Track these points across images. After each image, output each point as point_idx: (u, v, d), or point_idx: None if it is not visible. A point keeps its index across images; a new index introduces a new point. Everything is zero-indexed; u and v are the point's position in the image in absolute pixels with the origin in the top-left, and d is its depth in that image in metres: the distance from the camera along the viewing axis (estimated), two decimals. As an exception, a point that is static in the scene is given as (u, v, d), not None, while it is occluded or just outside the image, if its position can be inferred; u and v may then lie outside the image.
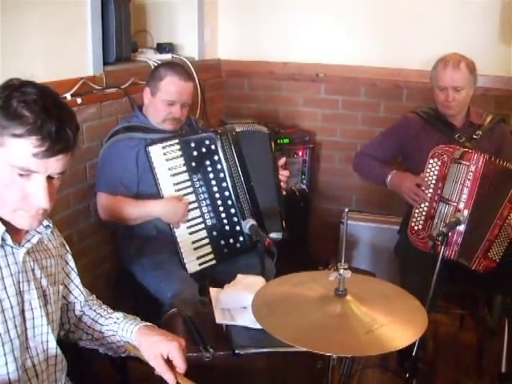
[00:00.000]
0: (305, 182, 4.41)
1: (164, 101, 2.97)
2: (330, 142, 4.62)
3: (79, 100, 2.95)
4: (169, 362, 1.81)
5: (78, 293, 2.02)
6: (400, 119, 3.51)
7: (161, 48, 4.01)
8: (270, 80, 4.65)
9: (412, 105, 3.96)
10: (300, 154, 4.36)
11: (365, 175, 3.59)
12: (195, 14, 4.26)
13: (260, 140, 3.08)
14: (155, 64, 3.53)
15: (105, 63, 3.23)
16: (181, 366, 1.80)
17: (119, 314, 2.01)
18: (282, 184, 3.13)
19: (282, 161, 3.18)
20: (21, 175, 1.51)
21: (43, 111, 1.48)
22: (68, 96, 2.88)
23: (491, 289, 3.34)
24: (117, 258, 3.28)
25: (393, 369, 3.39)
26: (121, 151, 2.95)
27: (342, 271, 1.77)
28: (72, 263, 1.99)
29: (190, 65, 3.93)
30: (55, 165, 1.53)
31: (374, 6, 4.26)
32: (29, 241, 1.70)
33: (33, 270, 1.72)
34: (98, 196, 2.97)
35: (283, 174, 3.13)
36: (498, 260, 3.02)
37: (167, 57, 3.90)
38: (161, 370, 1.80)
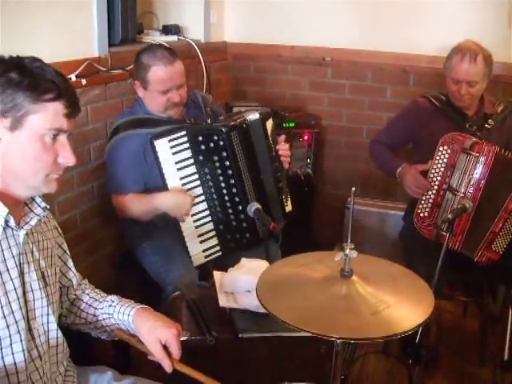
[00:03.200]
0: (310, 166, 4.39)
1: (158, 91, 2.89)
2: (335, 126, 4.59)
3: (84, 81, 2.94)
4: (165, 348, 1.83)
5: (72, 275, 2.01)
6: (410, 104, 3.46)
7: (166, 30, 3.98)
8: (277, 63, 4.62)
9: (419, 90, 3.93)
10: (305, 138, 4.33)
11: (378, 166, 3.58)
12: (202, -4, 4.22)
13: (256, 128, 2.97)
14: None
15: (110, 44, 3.21)
16: (176, 353, 1.83)
17: (114, 297, 2.01)
18: (283, 158, 3.08)
19: (282, 138, 3.11)
20: (51, 138, 1.62)
21: (59, 75, 1.62)
22: (73, 77, 2.87)
23: (495, 278, 3.34)
24: (120, 240, 3.28)
25: (395, 355, 3.40)
26: (130, 149, 2.87)
27: (347, 251, 1.76)
28: (65, 246, 1.98)
29: (195, 47, 3.91)
30: (73, 124, 1.68)
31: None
32: (27, 223, 1.71)
33: (32, 252, 1.73)
34: (112, 197, 2.95)
35: (283, 148, 3.07)
36: (501, 252, 3.00)
37: (173, 38, 3.88)
38: (159, 356, 1.82)
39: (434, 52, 3.42)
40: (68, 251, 1.99)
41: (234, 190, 2.89)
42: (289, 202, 3.16)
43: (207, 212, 2.92)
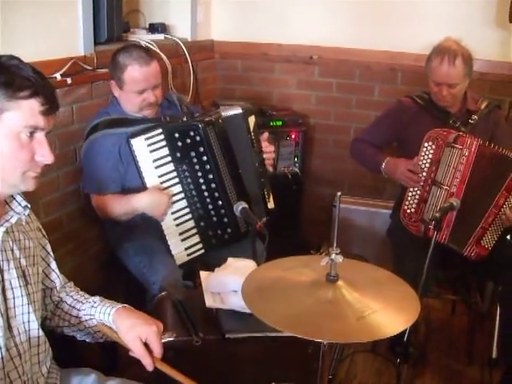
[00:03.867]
0: (297, 165, 4.38)
1: (134, 91, 2.88)
2: (323, 125, 4.59)
3: (69, 80, 2.91)
4: (145, 346, 1.81)
5: (55, 276, 1.99)
6: (394, 104, 3.48)
7: (153, 28, 3.96)
8: (264, 62, 4.60)
9: (407, 88, 3.94)
10: (293, 136, 4.32)
11: (361, 163, 3.57)
12: (188, -6, 4.20)
13: (237, 123, 2.99)
14: (147, 44, 3.49)
15: (96, 43, 3.18)
16: (158, 350, 1.81)
17: (96, 298, 1.99)
18: (267, 161, 3.09)
19: (265, 136, 3.12)
20: (28, 136, 1.61)
21: (36, 73, 1.62)
22: (58, 76, 2.84)
23: (483, 275, 3.34)
24: (107, 240, 3.26)
25: (384, 354, 3.40)
26: (104, 148, 2.87)
27: (333, 256, 1.75)
28: (48, 247, 1.96)
29: (182, 45, 3.89)
30: (51, 122, 1.67)
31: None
32: (7, 220, 1.70)
33: (12, 250, 1.72)
34: (91, 197, 2.94)
35: (267, 151, 3.09)
36: (490, 248, 3.00)
37: (159, 37, 3.85)
38: (139, 353, 1.80)
39: (422, 50, 3.41)
40: (51, 253, 1.97)
41: (213, 185, 2.90)
42: (271, 199, 3.15)
43: (187, 209, 2.92)
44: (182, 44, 3.90)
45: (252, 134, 3.02)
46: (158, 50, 3.58)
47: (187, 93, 4.01)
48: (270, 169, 3.15)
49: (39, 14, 2.76)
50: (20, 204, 1.75)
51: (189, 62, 3.95)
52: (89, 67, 3.08)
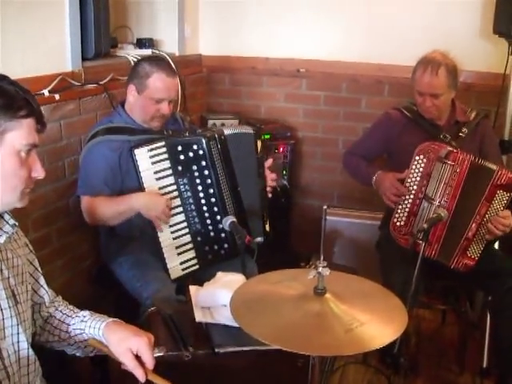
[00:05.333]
0: (286, 177, 4.39)
1: (152, 99, 2.90)
2: (311, 137, 4.61)
3: (57, 96, 2.92)
4: (137, 358, 1.80)
5: (43, 292, 1.98)
6: (382, 116, 3.48)
7: (141, 43, 3.97)
8: (252, 75, 4.63)
9: (394, 100, 3.96)
10: (281, 149, 4.34)
11: (353, 175, 3.57)
12: (176, 9, 4.22)
13: (245, 142, 3.02)
14: (135, 59, 3.49)
15: (83, 59, 3.19)
16: (150, 362, 1.79)
17: (86, 312, 1.99)
18: (268, 188, 3.11)
19: (269, 162, 3.14)
20: (26, 153, 1.65)
21: (28, 92, 1.66)
22: (46, 92, 2.85)
23: (472, 285, 3.35)
24: (97, 255, 3.26)
25: (375, 365, 3.40)
26: (103, 152, 2.88)
27: (320, 269, 1.76)
28: (36, 263, 1.95)
29: (170, 60, 3.90)
30: (40, 138, 1.71)
31: (355, 1, 4.25)
32: None
33: (1, 270, 1.71)
34: (82, 200, 2.93)
35: (271, 178, 3.12)
36: (476, 258, 3.01)
37: (147, 52, 3.86)
38: (131, 365, 1.79)
39: (409, 62, 3.44)
40: (39, 268, 1.97)
41: (213, 200, 2.91)
42: (268, 222, 3.16)
43: (185, 223, 2.91)
44: (169, 59, 3.90)
45: (259, 155, 3.05)
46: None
47: (176, 108, 4.02)
48: (269, 195, 3.15)
49: (26, 30, 2.77)
50: (8, 222, 1.75)
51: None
52: (77, 83, 3.09)
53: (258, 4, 4.48)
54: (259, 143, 3.07)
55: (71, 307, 2.05)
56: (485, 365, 3.31)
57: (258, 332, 1.64)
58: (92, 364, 2.60)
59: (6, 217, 1.75)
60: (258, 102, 4.69)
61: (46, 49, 2.93)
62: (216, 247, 2.96)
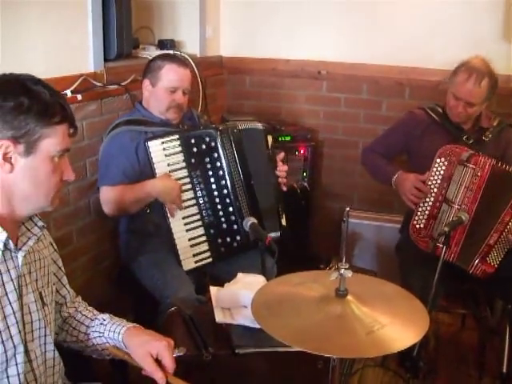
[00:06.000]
0: (306, 180, 4.39)
1: (166, 88, 2.99)
2: (331, 139, 4.60)
3: (79, 97, 2.95)
4: (158, 362, 1.81)
5: (65, 292, 2.00)
6: (406, 115, 3.46)
7: (162, 44, 3.99)
8: (272, 77, 4.63)
9: (415, 103, 3.94)
10: (302, 151, 4.34)
11: (371, 172, 3.56)
12: (197, 11, 4.23)
13: (256, 137, 3.06)
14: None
15: (106, 59, 3.22)
16: (170, 365, 1.80)
17: (105, 316, 2.00)
18: (280, 180, 3.12)
19: (281, 156, 3.17)
20: (58, 158, 1.66)
21: (60, 96, 1.67)
22: (68, 92, 2.87)
23: (491, 291, 3.33)
24: (117, 254, 3.27)
25: (394, 368, 3.39)
26: (122, 143, 2.94)
27: (342, 271, 1.75)
28: (60, 262, 1.97)
29: (191, 61, 3.92)
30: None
31: (376, 3, 4.24)
32: (25, 243, 1.70)
33: (30, 273, 1.72)
34: (101, 191, 2.95)
35: (281, 170, 3.13)
36: (496, 266, 2.98)
37: (169, 53, 3.87)
38: (151, 369, 1.80)
39: (430, 65, 3.42)
40: (63, 268, 1.98)
41: (225, 192, 2.94)
42: (284, 217, 3.17)
43: (198, 216, 2.94)
44: (190, 60, 3.91)
45: (270, 150, 3.09)
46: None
47: (196, 108, 4.04)
48: (284, 188, 3.17)
49: (50, 31, 2.80)
50: (36, 224, 1.76)
51: (198, 78, 3.98)
52: (99, 84, 3.11)
53: (279, 5, 4.48)
54: (270, 138, 3.10)
55: (91, 309, 2.06)
56: (504, 370, 3.28)
57: (279, 333, 1.63)
58: (111, 366, 2.62)
59: (35, 219, 1.77)
60: (278, 103, 4.69)
61: (69, 49, 2.95)
62: (229, 239, 2.98)
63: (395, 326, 1.71)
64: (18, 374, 1.63)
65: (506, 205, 2.90)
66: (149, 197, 2.87)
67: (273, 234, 3.02)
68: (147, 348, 1.82)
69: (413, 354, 2.89)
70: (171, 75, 2.99)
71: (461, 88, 3.10)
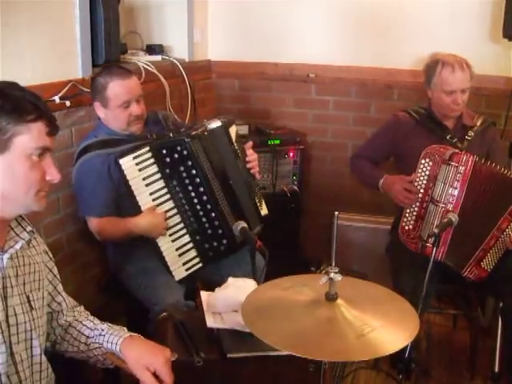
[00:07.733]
0: (296, 183, 4.39)
1: (119, 106, 2.90)
2: (320, 142, 4.61)
3: (68, 103, 2.93)
4: (155, 376, 1.82)
5: (61, 299, 2.00)
6: (390, 118, 3.49)
7: (150, 49, 3.99)
8: (261, 81, 4.64)
9: (403, 104, 3.95)
10: (291, 155, 4.34)
11: (360, 179, 3.59)
12: (185, 15, 4.23)
13: (220, 135, 3.02)
14: (145, 66, 3.52)
15: (94, 65, 3.20)
16: (168, 380, 1.82)
17: (104, 326, 2.00)
18: (252, 170, 3.14)
19: (249, 144, 3.16)
20: (37, 157, 1.67)
21: (36, 97, 1.69)
22: (57, 99, 2.85)
23: (483, 290, 3.34)
24: (106, 262, 3.26)
25: (386, 370, 3.39)
26: (93, 168, 2.88)
27: (332, 275, 1.76)
28: (55, 270, 1.98)
29: (180, 66, 3.92)
30: (53, 142, 1.74)
31: (364, 6, 4.25)
32: (12, 246, 1.71)
33: (16, 276, 1.72)
34: (88, 221, 2.94)
35: (251, 159, 3.13)
36: (489, 270, 3.00)
37: (157, 58, 3.88)
38: (149, 383, 1.81)
39: (418, 66, 3.44)
40: (58, 275, 1.99)
41: (205, 198, 2.89)
42: (263, 206, 3.21)
43: (181, 225, 2.92)
44: (179, 65, 3.92)
45: (235, 144, 3.07)
46: (155, 71, 3.61)
47: (185, 113, 4.04)
48: (258, 176, 3.19)
49: (37, 37, 2.78)
50: (25, 229, 1.78)
51: (186, 83, 3.98)
52: (87, 89, 3.10)
53: (267, 9, 4.48)
54: (233, 130, 3.09)
55: (91, 318, 2.07)
56: (496, 370, 3.30)
57: (270, 337, 1.64)
58: (103, 373, 2.61)
59: (24, 223, 1.79)
60: (267, 107, 4.69)
61: (57, 56, 2.94)
62: (215, 244, 2.95)
63: (386, 328, 1.71)
64: (0, 375, 1.62)
65: (505, 211, 2.92)
66: (133, 234, 2.86)
67: (257, 230, 3.06)
68: (144, 363, 1.83)
69: (405, 356, 2.90)
70: (118, 91, 2.87)
71: (452, 80, 3.15)
